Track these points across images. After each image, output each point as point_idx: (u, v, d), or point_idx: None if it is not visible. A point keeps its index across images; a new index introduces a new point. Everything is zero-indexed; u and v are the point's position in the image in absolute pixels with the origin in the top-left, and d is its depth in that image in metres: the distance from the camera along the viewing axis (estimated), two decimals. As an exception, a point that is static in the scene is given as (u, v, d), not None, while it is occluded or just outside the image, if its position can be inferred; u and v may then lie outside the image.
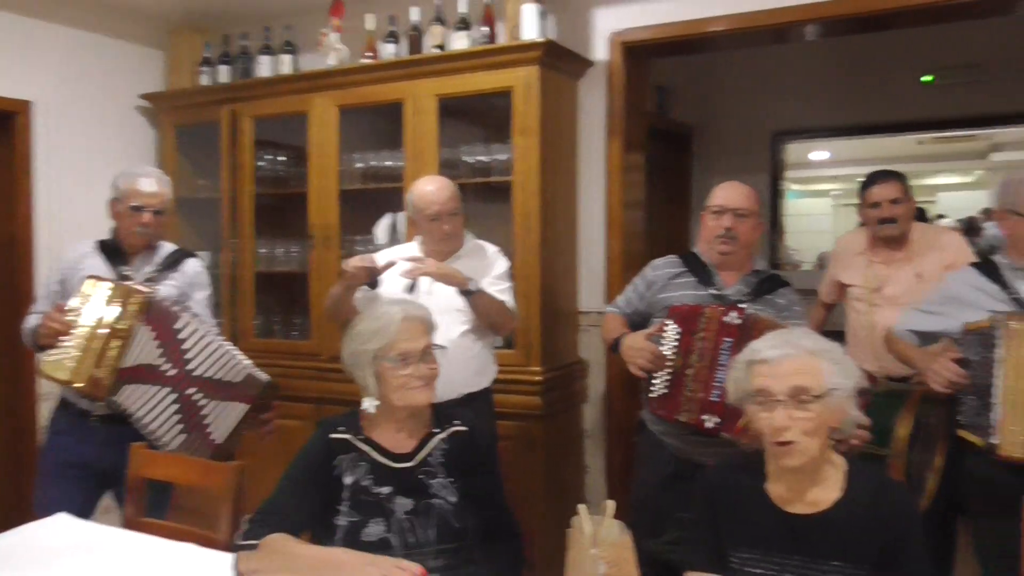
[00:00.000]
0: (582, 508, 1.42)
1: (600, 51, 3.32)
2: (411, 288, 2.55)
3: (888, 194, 2.86)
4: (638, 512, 2.49)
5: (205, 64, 3.81)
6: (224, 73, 3.77)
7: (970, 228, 6.79)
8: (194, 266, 2.64)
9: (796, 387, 1.52)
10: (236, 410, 2.30)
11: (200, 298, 2.60)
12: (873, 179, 2.94)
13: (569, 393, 3.32)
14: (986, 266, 2.28)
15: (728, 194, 2.40)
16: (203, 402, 2.29)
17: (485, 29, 3.19)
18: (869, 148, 7.80)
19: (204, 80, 3.80)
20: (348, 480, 1.79)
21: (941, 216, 8.28)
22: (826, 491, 1.57)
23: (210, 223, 3.79)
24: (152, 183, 2.50)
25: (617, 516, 1.43)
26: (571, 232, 3.36)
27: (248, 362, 2.36)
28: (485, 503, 1.83)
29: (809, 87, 4.97)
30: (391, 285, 2.51)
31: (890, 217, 2.87)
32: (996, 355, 2.03)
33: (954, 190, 9.10)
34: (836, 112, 4.95)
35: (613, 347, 2.45)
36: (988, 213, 6.39)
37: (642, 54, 3.36)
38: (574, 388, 3.36)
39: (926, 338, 2.36)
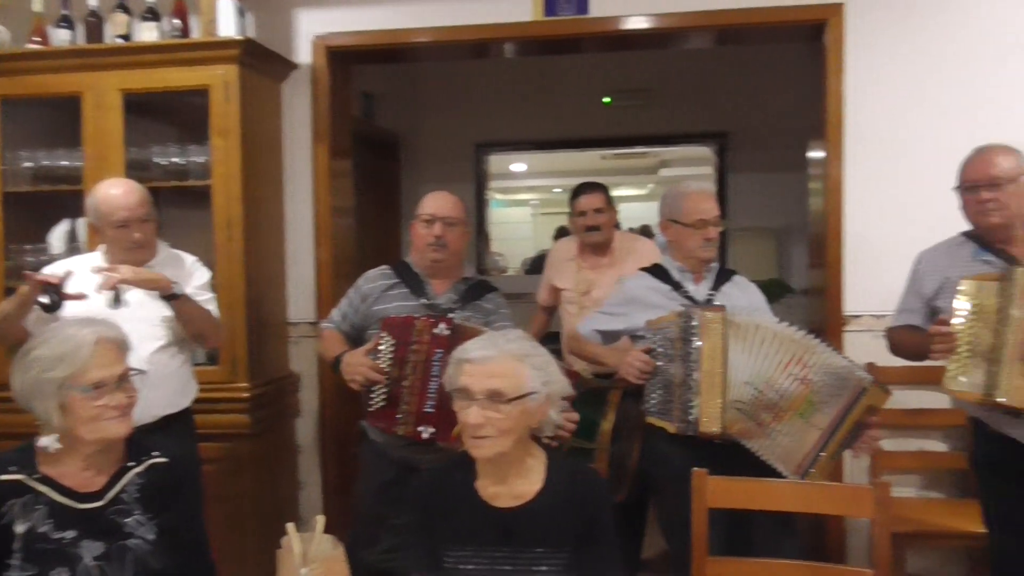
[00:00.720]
0: (290, 527, 1.36)
1: (303, 54, 3.24)
2: (115, 301, 2.29)
3: (593, 204, 3.13)
4: (360, 523, 2.46)
5: None
6: None
7: (644, 235, 7.61)
8: None
9: (492, 389, 1.58)
10: None
11: None
12: (580, 190, 3.20)
13: (280, 408, 3.19)
14: (656, 269, 2.55)
15: (437, 203, 2.45)
16: None
17: (177, 22, 2.96)
18: (561, 161, 8.49)
19: None
20: (20, 528, 1.55)
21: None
22: (529, 483, 1.66)
23: None
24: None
25: (334, 530, 1.39)
26: (278, 240, 3.24)
27: None
28: (183, 539, 1.68)
29: (508, 102, 5.29)
30: (92, 302, 2.21)
31: (595, 225, 3.13)
32: (693, 343, 2.25)
33: (632, 201, 10.17)
34: (531, 126, 5.33)
35: (334, 366, 2.40)
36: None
37: (347, 59, 3.34)
38: (285, 403, 3.24)
39: (608, 337, 2.57)
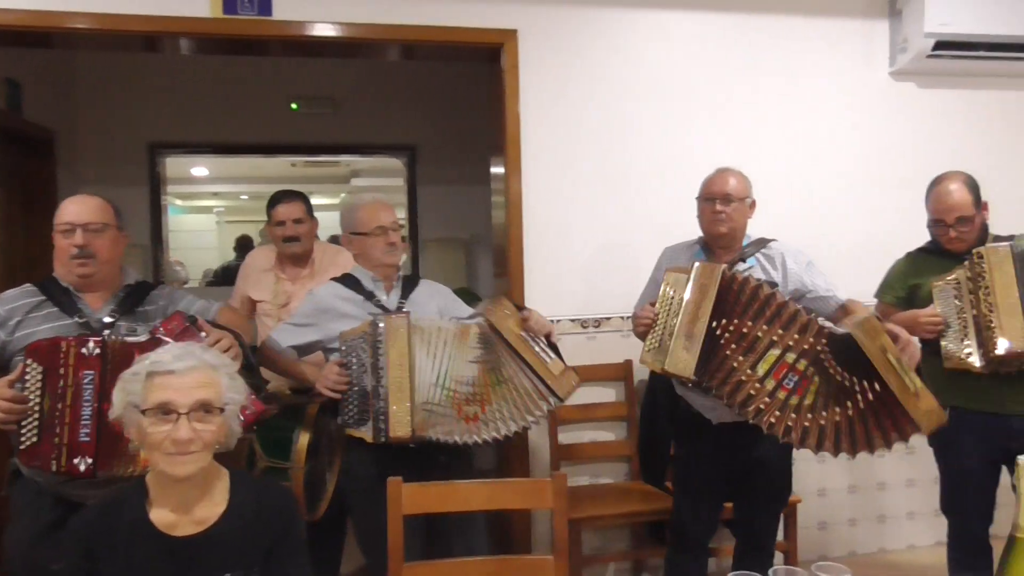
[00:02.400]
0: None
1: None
2: None
3: (292, 213, 3.00)
4: (10, 574, 2.11)
5: None
6: None
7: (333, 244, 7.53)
8: None
9: (200, 400, 1.49)
10: None
11: None
12: (278, 199, 3.05)
13: None
14: (347, 279, 2.53)
15: (76, 209, 2.18)
16: None
17: None
18: (248, 167, 8.10)
19: None
20: None
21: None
22: (212, 506, 1.56)
23: None
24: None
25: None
26: None
27: None
28: None
29: (187, 101, 4.91)
30: None
31: (294, 235, 3.00)
32: (381, 352, 2.26)
33: (325, 210, 10.02)
34: (214, 129, 5.00)
35: None
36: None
37: (-17, 40, 2.88)
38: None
39: (303, 350, 2.51)
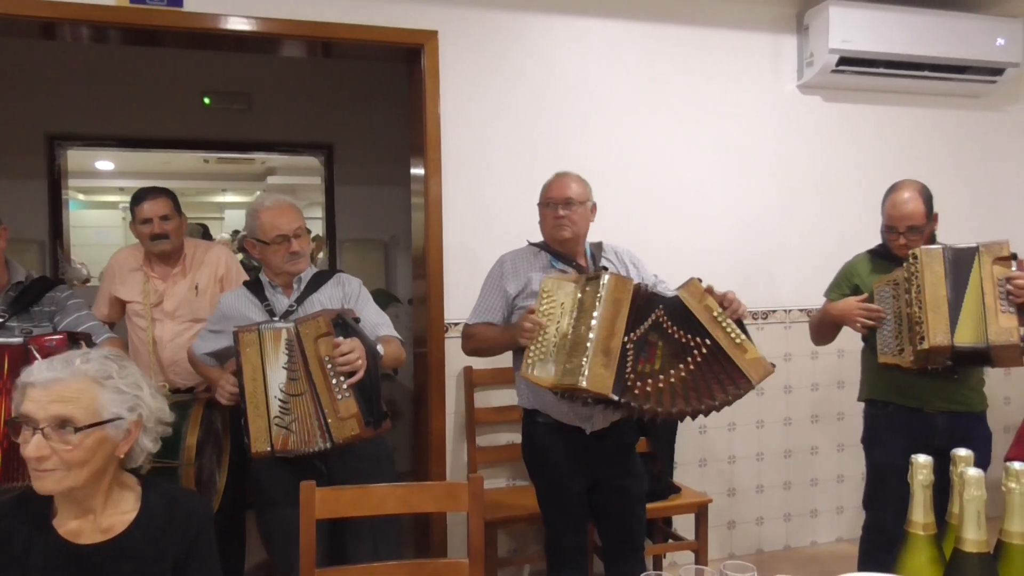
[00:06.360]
0: None
1: None
2: None
3: (158, 211, 2.89)
4: None
5: None
6: None
7: (241, 247, 7.30)
8: None
9: (57, 416, 1.39)
10: None
11: None
12: (143, 196, 2.93)
13: None
14: (254, 284, 2.49)
15: None
16: None
17: None
18: (156, 162, 7.81)
19: None
20: None
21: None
22: (120, 514, 1.49)
23: None
24: None
25: None
26: None
27: None
28: None
29: (91, 91, 4.69)
30: None
31: (161, 233, 2.90)
32: (241, 364, 2.21)
33: (238, 208, 9.78)
34: (120, 121, 4.78)
35: None
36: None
37: None
38: None
39: (220, 356, 2.47)
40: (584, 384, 2.06)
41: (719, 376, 2.13)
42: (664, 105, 3.51)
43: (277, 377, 2.18)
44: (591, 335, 2.08)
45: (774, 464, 3.74)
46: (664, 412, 2.09)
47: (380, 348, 2.29)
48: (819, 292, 2.91)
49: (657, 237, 3.44)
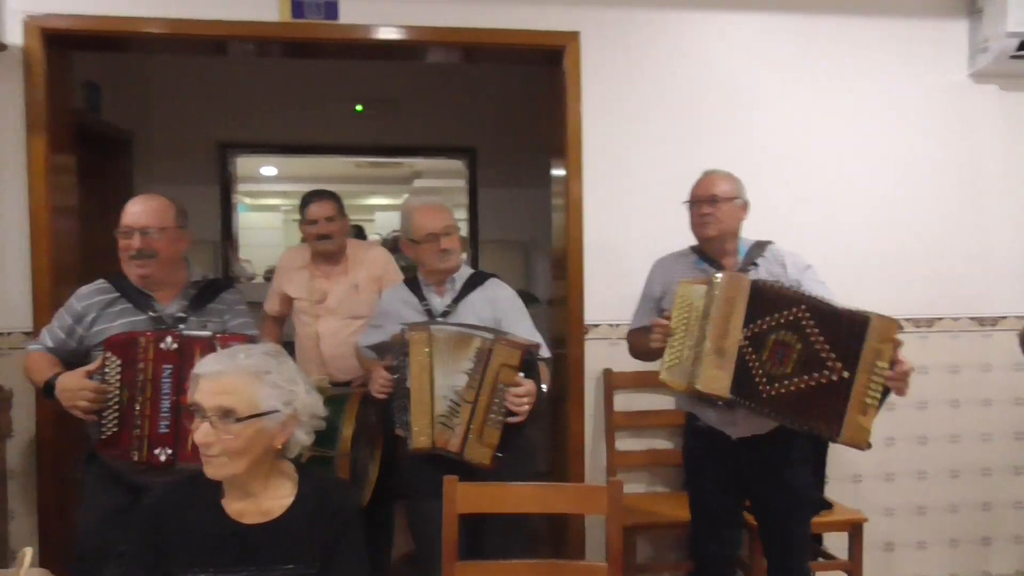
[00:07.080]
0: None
1: (14, 34, 2.85)
2: None
3: (324, 212, 3.05)
4: (82, 555, 2.19)
5: None
6: None
7: (395, 246, 7.58)
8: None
9: (220, 407, 1.50)
10: None
11: None
12: (310, 198, 3.10)
13: (-17, 431, 2.77)
14: (412, 281, 2.58)
15: (136, 212, 2.25)
16: None
17: None
18: (312, 167, 8.26)
19: None
20: None
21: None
22: (279, 499, 1.59)
23: None
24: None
25: (51, 564, 1.23)
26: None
27: None
28: None
29: (257, 102, 5.04)
30: None
31: (326, 234, 3.05)
32: (406, 362, 2.29)
33: (388, 210, 10.19)
34: (282, 130, 5.12)
35: (46, 391, 2.15)
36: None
37: (64, 44, 2.99)
38: (-9, 424, 2.82)
39: (379, 350, 2.56)
40: (699, 387, 2.12)
41: (823, 408, 2.05)
42: (816, 100, 3.34)
43: (451, 378, 2.26)
44: (707, 336, 2.11)
45: (939, 484, 3.46)
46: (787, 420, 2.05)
47: (544, 387, 2.33)
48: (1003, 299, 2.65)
49: (808, 239, 3.26)
